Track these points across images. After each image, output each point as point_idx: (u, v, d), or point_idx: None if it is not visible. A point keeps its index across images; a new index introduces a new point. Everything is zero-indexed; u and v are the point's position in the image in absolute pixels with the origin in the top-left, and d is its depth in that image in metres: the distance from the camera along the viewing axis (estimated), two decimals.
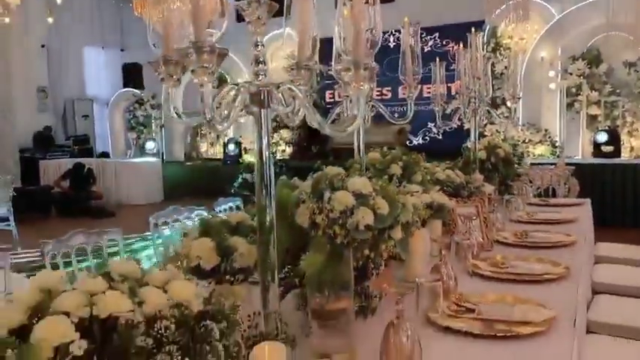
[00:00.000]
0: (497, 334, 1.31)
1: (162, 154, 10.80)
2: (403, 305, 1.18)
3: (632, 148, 7.54)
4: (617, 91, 7.76)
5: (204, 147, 11.30)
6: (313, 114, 1.02)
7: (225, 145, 9.81)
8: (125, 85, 11.32)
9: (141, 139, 10.87)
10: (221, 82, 10.91)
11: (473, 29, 3.00)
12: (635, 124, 7.40)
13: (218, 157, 11.00)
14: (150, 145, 10.57)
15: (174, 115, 1.14)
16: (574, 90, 8.22)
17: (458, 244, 1.89)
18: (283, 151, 10.44)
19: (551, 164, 6.03)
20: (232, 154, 9.58)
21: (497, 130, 8.57)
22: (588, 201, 3.35)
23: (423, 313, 1.42)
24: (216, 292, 1.04)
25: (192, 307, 0.81)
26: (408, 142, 10.05)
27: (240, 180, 8.48)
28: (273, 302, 1.04)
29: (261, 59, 1.07)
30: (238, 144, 9.84)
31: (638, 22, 7.35)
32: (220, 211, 3.06)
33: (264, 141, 1.08)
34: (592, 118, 8.05)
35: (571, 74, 8.25)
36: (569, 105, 8.29)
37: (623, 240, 3.50)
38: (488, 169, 2.85)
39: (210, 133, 11.18)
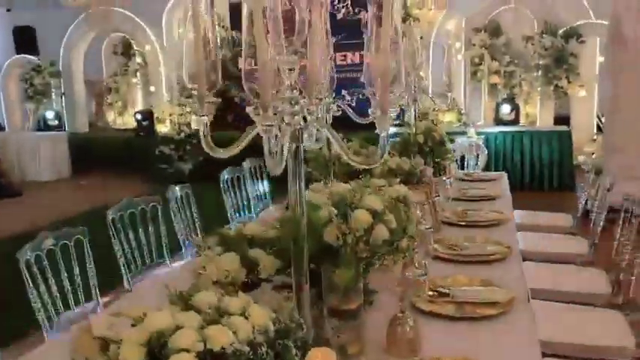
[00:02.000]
0: (475, 316, 1.56)
1: (65, 125, 10.19)
2: (404, 301, 1.39)
3: (527, 115, 8.31)
4: (515, 61, 8.43)
5: (110, 117, 10.79)
6: (340, 147, 1.15)
7: (138, 117, 9.44)
8: (17, 51, 10.44)
9: (40, 110, 10.15)
10: (126, 47, 10.40)
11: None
12: (531, 93, 8.13)
13: (128, 127, 10.58)
14: (50, 116, 9.91)
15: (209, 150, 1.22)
16: (477, 60, 8.81)
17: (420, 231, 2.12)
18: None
19: (462, 133, 6.50)
20: (145, 124, 9.26)
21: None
22: (504, 174, 3.77)
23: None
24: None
25: (270, 329, 0.95)
26: None
27: (157, 153, 8.26)
28: (306, 308, 1.20)
29: (296, 100, 1.16)
30: (150, 113, 9.52)
31: None
32: (177, 201, 3.07)
33: (299, 177, 1.18)
34: (492, 87, 8.70)
35: (474, 45, 8.82)
36: (473, 74, 8.89)
37: (527, 206, 3.98)
38: (425, 152, 3.12)
39: (116, 101, 10.69)
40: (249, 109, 1.28)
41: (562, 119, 8.07)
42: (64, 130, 9.95)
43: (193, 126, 9.59)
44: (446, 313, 1.56)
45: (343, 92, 10.56)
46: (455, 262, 2.04)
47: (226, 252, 1.34)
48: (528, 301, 1.70)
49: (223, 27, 10.71)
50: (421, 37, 9.51)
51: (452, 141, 3.44)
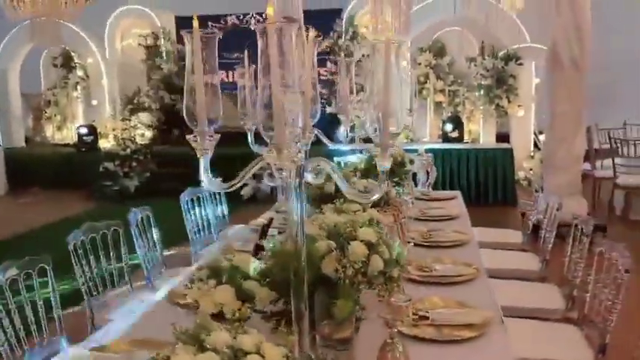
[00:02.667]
0: (456, 339, 1.62)
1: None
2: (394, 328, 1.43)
3: (470, 132, 8.66)
4: (459, 81, 8.79)
5: (49, 131, 10.35)
6: (342, 182, 1.18)
7: (80, 131, 9.11)
8: None
9: None
10: (66, 59, 10.04)
11: None
12: (474, 111, 8.49)
13: (67, 142, 10.18)
14: None
15: (208, 185, 1.22)
16: (422, 79, 9.11)
17: None
18: (143, 135, 10.02)
19: (414, 151, 6.67)
20: (87, 140, 8.94)
21: (357, 116, 9.18)
22: (459, 193, 3.92)
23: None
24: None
25: None
26: None
27: (101, 169, 7.99)
28: (304, 339, 1.22)
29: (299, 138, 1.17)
30: (93, 128, 9.21)
31: (477, 21, 8.36)
32: (137, 225, 2.99)
33: (301, 211, 1.20)
34: (437, 105, 9.02)
35: (420, 64, 9.13)
36: (419, 92, 9.18)
37: (474, 222, 4.14)
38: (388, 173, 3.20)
39: (55, 115, 10.28)
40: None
41: (502, 137, 8.48)
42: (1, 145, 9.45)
43: (139, 141, 9.37)
44: (429, 337, 1.62)
45: None
46: (426, 284, 2.11)
47: (219, 284, 1.34)
48: (502, 322, 1.78)
49: (169, 40, 10.57)
50: (365, 55, 9.79)
51: (411, 162, 3.55)
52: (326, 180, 2.56)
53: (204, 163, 1.28)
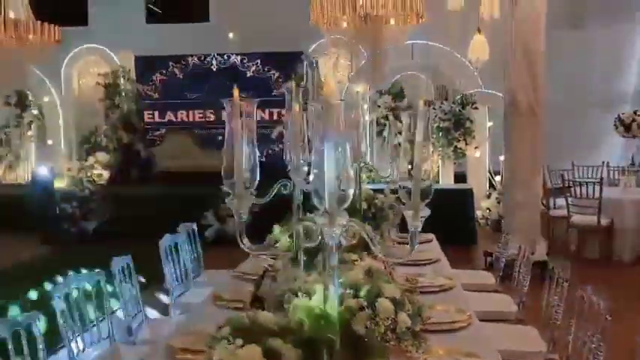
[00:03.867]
0: None
1: None
2: None
3: (424, 172, 8.94)
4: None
5: (0, 171, 9.96)
6: (373, 241, 1.23)
7: (34, 171, 8.80)
8: None
9: None
10: (21, 97, 9.77)
11: None
12: (433, 151, 8.79)
13: (20, 182, 9.81)
14: None
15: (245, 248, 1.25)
16: (382, 120, 9.39)
17: None
18: (100, 175, 9.78)
19: (379, 191, 6.81)
20: (43, 180, 8.64)
21: None
22: (433, 236, 4.03)
23: None
24: None
25: None
26: None
27: (57, 211, 7.72)
28: None
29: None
30: (49, 168, 8.92)
31: (434, 67, 8.78)
32: (120, 272, 2.92)
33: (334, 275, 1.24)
34: (396, 147, 9.28)
35: (379, 107, 9.41)
36: (379, 133, 9.44)
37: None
38: (369, 218, 3.28)
39: (7, 154, 9.92)
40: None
41: (458, 177, 8.80)
42: None
43: (96, 181, 9.09)
44: None
45: None
46: (423, 332, 2.16)
47: (246, 344, 1.35)
48: None
49: (128, 80, 10.49)
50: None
51: (391, 207, 3.64)
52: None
53: (239, 227, 1.30)
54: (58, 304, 2.39)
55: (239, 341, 1.36)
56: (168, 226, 8.05)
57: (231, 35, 7.28)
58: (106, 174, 9.77)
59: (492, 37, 6.57)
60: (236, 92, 1.32)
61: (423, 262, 3.23)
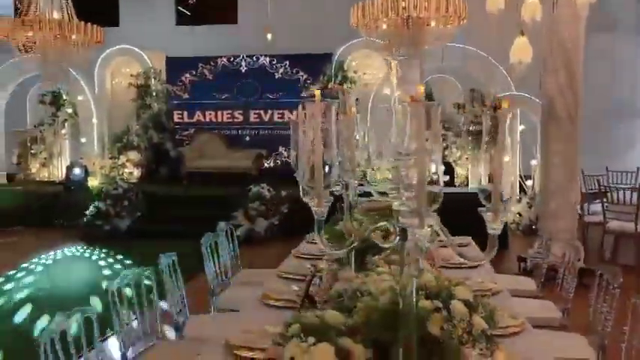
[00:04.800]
0: None
1: None
2: None
3: (458, 176, 8.88)
4: (447, 126, 9.05)
5: (35, 168, 10.18)
6: (450, 240, 1.23)
7: (69, 169, 8.98)
8: None
9: None
10: (55, 96, 9.97)
11: None
12: (462, 156, 8.73)
13: (53, 180, 10.02)
14: None
15: (325, 247, 1.26)
16: None
17: None
18: (130, 173, 9.94)
19: None
20: (77, 178, 8.81)
21: None
22: (470, 239, 3.99)
23: None
24: None
25: None
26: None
27: (92, 209, 7.86)
28: None
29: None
30: (83, 166, 9.09)
31: (463, 70, 8.71)
32: (167, 268, 2.96)
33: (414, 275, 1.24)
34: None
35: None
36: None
37: None
38: None
39: (41, 152, 10.14)
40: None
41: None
42: None
43: (129, 178, 9.22)
44: None
45: (280, 149, 10.75)
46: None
47: (319, 342, 1.36)
48: None
49: (159, 81, 10.64)
50: (357, 99, 10.01)
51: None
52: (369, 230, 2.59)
53: (318, 225, 1.31)
54: (111, 297, 2.44)
55: (311, 339, 1.37)
56: (198, 226, 8.15)
57: (269, 36, 7.30)
58: (136, 172, 9.93)
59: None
60: (317, 93, 1.34)
61: (469, 266, 3.21)
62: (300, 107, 1.38)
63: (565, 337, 2.91)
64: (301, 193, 1.32)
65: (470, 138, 8.45)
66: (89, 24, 4.97)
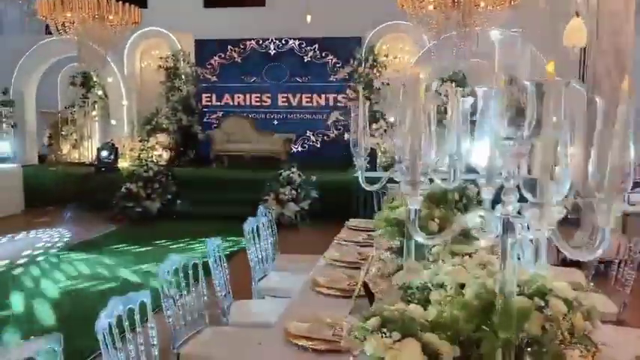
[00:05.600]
0: None
1: (14, 157, 9.55)
2: None
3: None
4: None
5: (65, 149, 10.27)
6: (562, 244, 1.13)
7: (99, 150, 9.03)
8: None
9: None
10: (86, 78, 10.00)
11: None
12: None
13: (84, 161, 10.10)
14: (2, 148, 9.24)
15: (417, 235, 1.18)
16: (443, 108, 9.15)
17: None
18: (160, 155, 9.96)
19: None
20: (107, 159, 8.85)
21: (377, 143, 9.19)
22: None
23: None
24: None
25: None
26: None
27: (123, 190, 7.89)
28: None
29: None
30: (113, 148, 9.13)
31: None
32: (213, 253, 2.91)
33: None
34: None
35: (440, 94, 9.17)
36: (439, 122, 9.21)
37: None
38: (459, 209, 3.16)
39: (71, 133, 10.21)
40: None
41: None
42: (15, 162, 9.29)
43: (158, 161, 9.19)
44: None
45: (308, 133, 10.65)
46: None
47: (405, 338, 1.28)
48: None
49: (188, 63, 10.59)
50: (388, 83, 9.84)
51: (480, 202, 3.50)
52: (427, 218, 2.50)
53: (413, 214, 1.22)
54: (163, 279, 2.40)
55: (396, 335, 1.29)
56: (228, 208, 8.15)
57: (309, 18, 7.15)
58: (165, 155, 9.94)
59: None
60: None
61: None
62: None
63: (627, 332, 2.79)
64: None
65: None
66: (127, 4, 4.91)
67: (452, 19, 3.57)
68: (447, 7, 3.46)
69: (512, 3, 3.60)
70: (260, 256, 3.59)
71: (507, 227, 1.14)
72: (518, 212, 1.12)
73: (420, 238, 1.25)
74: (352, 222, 3.96)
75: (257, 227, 3.67)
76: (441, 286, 1.61)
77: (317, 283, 2.55)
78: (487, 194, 1.39)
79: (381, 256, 2.54)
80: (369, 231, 3.69)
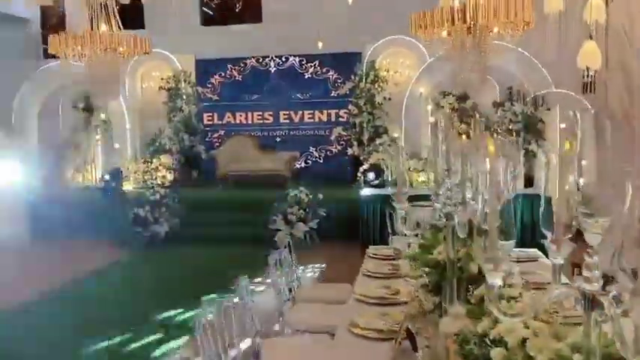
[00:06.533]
0: None
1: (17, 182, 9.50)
2: None
3: None
4: (483, 119, 8.90)
5: (69, 173, 10.23)
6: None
7: (104, 174, 9.01)
8: None
9: None
10: (88, 101, 9.97)
11: None
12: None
13: (88, 184, 10.06)
14: (5, 173, 9.16)
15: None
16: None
17: None
18: (164, 177, 9.93)
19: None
20: (113, 183, 8.83)
21: (382, 159, 9.21)
22: (540, 254, 3.85)
23: None
24: None
25: None
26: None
27: (131, 215, 7.87)
28: None
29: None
30: (119, 172, 9.11)
31: (501, 67, 8.52)
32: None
33: None
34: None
35: (443, 107, 9.24)
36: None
37: None
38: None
39: (75, 158, 10.18)
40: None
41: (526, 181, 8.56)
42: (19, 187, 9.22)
43: (159, 182, 9.13)
44: None
45: (311, 149, 10.67)
46: None
47: None
48: None
49: (189, 83, 10.62)
50: (389, 98, 9.89)
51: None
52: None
53: (494, 290, 1.22)
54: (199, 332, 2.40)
55: None
56: (237, 230, 8.11)
57: (320, 45, 7.20)
58: (169, 176, 9.92)
59: (563, 36, 6.37)
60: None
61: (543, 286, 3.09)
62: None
63: None
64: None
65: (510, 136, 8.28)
66: (137, 36, 4.94)
67: (466, 45, 3.62)
68: (462, 33, 3.51)
69: (525, 28, 3.66)
70: (285, 288, 3.59)
71: (593, 304, 1.15)
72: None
73: (502, 316, 1.25)
74: (373, 249, 3.97)
75: (280, 260, 3.67)
76: (500, 341, 1.62)
77: (354, 324, 2.55)
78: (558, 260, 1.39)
79: (416, 294, 2.54)
80: (392, 259, 3.71)
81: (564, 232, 1.26)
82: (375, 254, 3.83)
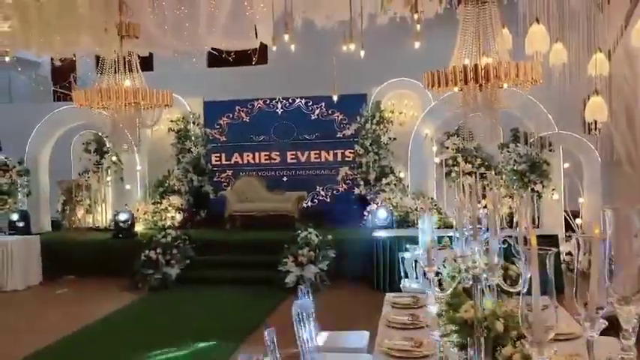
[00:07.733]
0: None
1: (29, 225, 9.58)
2: None
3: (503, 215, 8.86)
4: (486, 163, 9.09)
5: (79, 215, 10.35)
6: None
7: (116, 216, 9.12)
8: None
9: (3, 211, 9.50)
10: (99, 144, 10.17)
11: None
12: (505, 195, 8.71)
13: (98, 226, 10.18)
14: (15, 217, 9.21)
15: None
16: (450, 162, 9.40)
17: None
18: (173, 217, 10.06)
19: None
20: (125, 225, 8.94)
21: (388, 198, 9.35)
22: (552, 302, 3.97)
23: None
24: None
25: None
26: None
27: (143, 258, 7.95)
28: None
29: None
30: (130, 214, 9.22)
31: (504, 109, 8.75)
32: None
33: None
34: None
35: (447, 148, 9.44)
36: (447, 174, 9.43)
37: None
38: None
39: (85, 199, 10.33)
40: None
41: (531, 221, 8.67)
42: (30, 231, 9.27)
43: (169, 223, 9.23)
44: None
45: (318, 188, 10.83)
46: None
47: None
48: None
49: (198, 125, 10.85)
50: (394, 139, 10.09)
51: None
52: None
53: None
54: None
55: None
56: (248, 271, 8.18)
57: (335, 97, 7.43)
58: (178, 216, 10.03)
59: (568, 80, 6.60)
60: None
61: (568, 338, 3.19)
62: None
63: None
64: None
65: (515, 178, 8.43)
66: (160, 90, 5.15)
67: (478, 99, 3.80)
68: (474, 89, 3.69)
69: (533, 84, 3.85)
70: (308, 340, 3.67)
71: None
72: None
73: None
74: (391, 297, 4.06)
75: (301, 314, 3.75)
76: None
77: None
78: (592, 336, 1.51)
79: (444, 351, 2.64)
80: (411, 308, 3.81)
81: (597, 311, 1.39)
82: (397, 303, 3.92)
